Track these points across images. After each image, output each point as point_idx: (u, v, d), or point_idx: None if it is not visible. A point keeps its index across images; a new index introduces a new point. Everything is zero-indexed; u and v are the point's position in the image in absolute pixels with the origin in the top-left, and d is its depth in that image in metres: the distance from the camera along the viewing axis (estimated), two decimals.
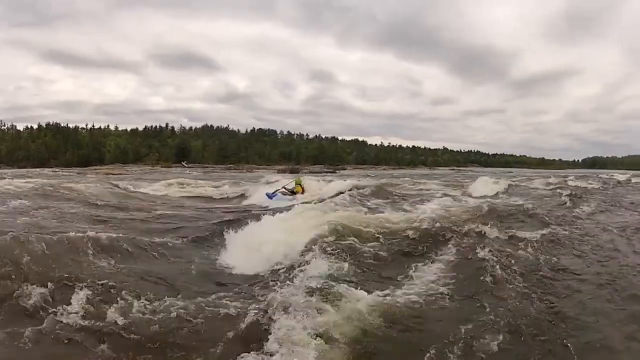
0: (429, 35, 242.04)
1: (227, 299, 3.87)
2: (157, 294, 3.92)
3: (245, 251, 5.66)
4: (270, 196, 13.83)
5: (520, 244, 5.92)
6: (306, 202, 10.56)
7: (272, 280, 4.50)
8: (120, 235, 5.78)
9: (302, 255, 5.16)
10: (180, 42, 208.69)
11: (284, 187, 14.80)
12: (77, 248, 4.88)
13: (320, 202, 10.73)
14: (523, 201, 12.03)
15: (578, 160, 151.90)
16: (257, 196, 14.98)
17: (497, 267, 4.66)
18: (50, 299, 3.67)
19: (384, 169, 71.98)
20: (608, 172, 42.59)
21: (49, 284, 3.84)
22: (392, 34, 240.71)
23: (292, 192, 14.34)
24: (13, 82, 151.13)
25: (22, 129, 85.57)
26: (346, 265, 4.75)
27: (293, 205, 9.82)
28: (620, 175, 30.86)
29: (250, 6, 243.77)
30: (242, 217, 8.19)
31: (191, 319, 3.43)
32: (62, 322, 3.30)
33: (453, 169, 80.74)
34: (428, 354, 3.01)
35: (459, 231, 6.39)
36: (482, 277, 4.43)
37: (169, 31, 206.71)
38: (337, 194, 13.01)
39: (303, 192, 14.44)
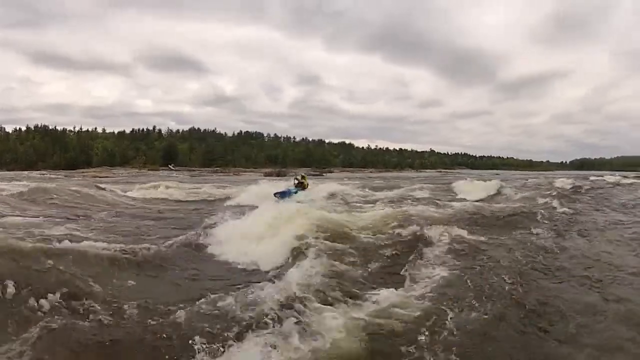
0: (418, 38, 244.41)
1: (219, 301, 3.93)
2: (156, 299, 4.04)
3: (245, 250, 5.98)
4: (281, 195, 14.14)
5: (510, 244, 6.31)
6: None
7: (266, 278, 4.66)
8: (112, 240, 6.16)
9: (297, 254, 5.39)
10: (169, 44, 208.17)
11: (295, 180, 16.38)
12: (84, 256, 5.09)
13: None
14: (513, 203, 12.32)
15: (566, 162, 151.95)
16: (250, 198, 14.90)
17: (491, 268, 4.98)
18: (58, 306, 3.75)
19: (371, 172, 72.65)
20: (599, 174, 42.71)
21: (56, 292, 3.91)
22: (381, 38, 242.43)
23: (300, 185, 15.85)
24: (1, 84, 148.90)
25: (10, 131, 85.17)
26: (341, 262, 5.13)
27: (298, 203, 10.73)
28: (610, 177, 31.12)
29: (239, 9, 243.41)
30: (235, 216, 8.36)
31: (191, 322, 3.55)
32: (68, 328, 3.38)
33: (440, 171, 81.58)
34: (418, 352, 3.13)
35: (449, 233, 6.70)
36: (475, 277, 4.63)
37: (158, 33, 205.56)
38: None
39: (307, 186, 16.20)
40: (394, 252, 5.90)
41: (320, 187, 17.44)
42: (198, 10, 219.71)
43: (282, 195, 14.13)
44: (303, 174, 17.64)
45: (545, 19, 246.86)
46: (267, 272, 5.13)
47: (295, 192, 14.85)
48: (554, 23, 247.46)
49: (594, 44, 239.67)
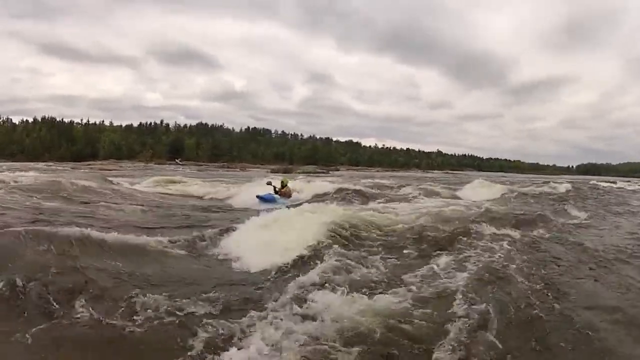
0: (428, 40, 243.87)
1: (220, 301, 3.82)
2: (153, 294, 3.85)
3: (242, 252, 5.67)
4: (264, 198, 12.66)
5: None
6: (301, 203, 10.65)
7: (268, 281, 4.46)
8: (112, 232, 5.74)
9: (300, 256, 5.17)
10: (180, 39, 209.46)
11: (274, 187, 13.60)
12: (81, 246, 4.92)
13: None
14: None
15: (572, 167, 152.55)
16: (250, 197, 13.79)
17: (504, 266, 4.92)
18: (52, 298, 3.61)
19: (377, 171, 72.32)
20: (608, 179, 42.35)
21: (51, 283, 3.81)
22: (392, 38, 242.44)
23: (283, 194, 13.41)
24: (9, 74, 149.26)
25: (17, 122, 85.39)
26: (345, 264, 4.86)
27: (286, 205, 10.01)
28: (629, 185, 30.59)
29: (251, 5, 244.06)
30: (240, 216, 8.13)
31: (188, 318, 3.44)
32: (62, 322, 3.29)
33: (447, 172, 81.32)
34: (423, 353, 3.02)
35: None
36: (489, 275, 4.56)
37: (169, 27, 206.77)
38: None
39: (290, 192, 13.63)
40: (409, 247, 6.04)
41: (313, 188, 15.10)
42: (209, 5, 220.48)
43: (265, 199, 12.59)
44: (283, 179, 14.45)
45: (554, 24, 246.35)
46: (284, 269, 4.91)
47: (275, 201, 12.77)
48: (563, 29, 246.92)
49: (602, 50, 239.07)
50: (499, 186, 19.78)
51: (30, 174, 17.15)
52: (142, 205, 10.74)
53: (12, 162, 51.56)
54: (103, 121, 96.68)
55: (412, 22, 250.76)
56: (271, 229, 6.56)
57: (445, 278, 4.61)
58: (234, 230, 6.69)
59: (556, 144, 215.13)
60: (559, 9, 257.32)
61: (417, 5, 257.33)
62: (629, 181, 40.77)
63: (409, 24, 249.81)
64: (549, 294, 4.17)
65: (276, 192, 13.27)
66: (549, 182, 24.71)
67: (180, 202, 13.31)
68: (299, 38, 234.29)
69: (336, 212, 7.47)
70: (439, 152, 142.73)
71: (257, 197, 12.68)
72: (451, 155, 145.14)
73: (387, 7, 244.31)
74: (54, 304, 3.53)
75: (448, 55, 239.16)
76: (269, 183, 13.70)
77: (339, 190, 14.47)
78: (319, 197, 13.34)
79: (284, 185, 13.59)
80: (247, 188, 16.22)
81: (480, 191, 18.41)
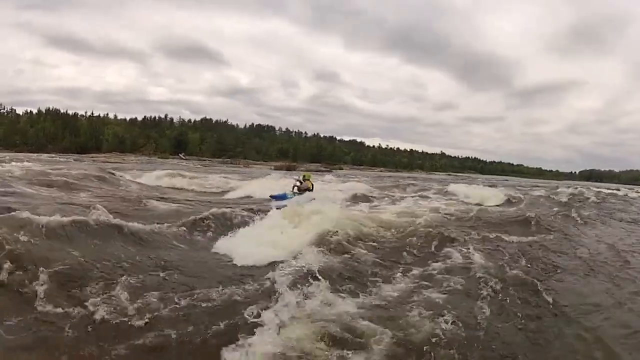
0: (435, 40, 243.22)
1: (215, 294, 3.83)
2: (153, 286, 3.92)
3: (246, 246, 5.67)
4: (277, 198, 12.47)
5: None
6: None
7: (269, 279, 4.42)
8: (122, 221, 5.81)
9: (301, 254, 5.20)
10: (187, 33, 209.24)
11: (295, 185, 13.60)
12: (82, 233, 4.93)
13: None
14: None
15: (575, 172, 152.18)
16: (256, 192, 14.33)
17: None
18: (50, 287, 3.61)
19: (381, 171, 72.23)
20: (610, 186, 42.31)
21: (49, 270, 3.80)
22: (398, 38, 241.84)
23: (303, 188, 13.37)
24: (14, 65, 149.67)
25: (21, 113, 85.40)
26: (340, 266, 4.92)
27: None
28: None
29: (258, 2, 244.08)
30: (245, 211, 8.19)
31: (185, 311, 3.46)
32: (57, 311, 3.31)
33: (450, 174, 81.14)
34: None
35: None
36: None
37: (176, 22, 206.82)
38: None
39: (312, 188, 13.66)
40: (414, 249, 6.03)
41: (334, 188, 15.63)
42: (216, 0, 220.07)
43: (278, 198, 12.37)
44: (305, 174, 14.70)
45: (561, 29, 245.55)
46: (276, 264, 4.92)
47: (292, 197, 12.55)
48: (569, 33, 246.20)
49: (609, 56, 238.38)
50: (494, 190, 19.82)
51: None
52: (143, 199, 10.65)
53: (15, 152, 51.48)
54: (107, 114, 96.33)
55: (420, 23, 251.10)
56: (275, 227, 6.56)
57: (443, 279, 4.66)
58: (237, 226, 6.72)
59: (560, 148, 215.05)
60: (566, 13, 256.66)
61: (424, 5, 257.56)
62: (632, 189, 40.60)
63: (416, 24, 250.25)
64: (549, 296, 4.25)
65: (299, 187, 13.39)
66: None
67: (182, 195, 13.32)
68: (305, 35, 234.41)
69: (337, 212, 7.48)
70: (443, 154, 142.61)
71: (271, 196, 12.66)
72: (454, 157, 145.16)
73: (395, 6, 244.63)
74: (54, 292, 3.53)
75: (454, 57, 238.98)
76: (275, 198, 12.79)
77: (343, 190, 14.67)
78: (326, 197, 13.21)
79: (306, 179, 13.86)
80: (251, 184, 16.34)
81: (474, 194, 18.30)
